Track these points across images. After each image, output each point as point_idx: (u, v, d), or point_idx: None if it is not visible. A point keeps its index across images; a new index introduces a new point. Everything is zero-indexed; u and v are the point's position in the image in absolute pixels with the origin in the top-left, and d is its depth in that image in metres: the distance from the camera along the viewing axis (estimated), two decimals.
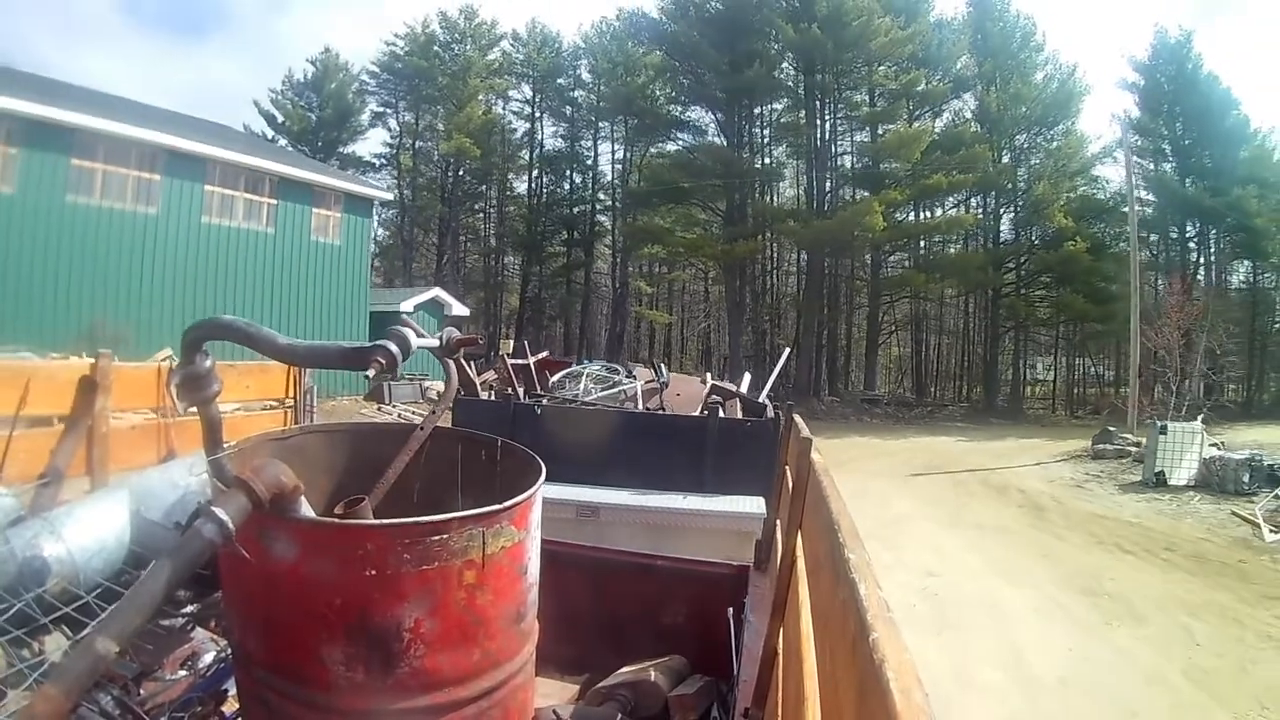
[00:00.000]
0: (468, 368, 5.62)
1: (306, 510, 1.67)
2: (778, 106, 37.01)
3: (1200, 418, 16.60)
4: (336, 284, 21.55)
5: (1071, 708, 5.49)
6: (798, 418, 2.73)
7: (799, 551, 1.74)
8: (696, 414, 5.54)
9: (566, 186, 46.67)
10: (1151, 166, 34.32)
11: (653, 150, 40.26)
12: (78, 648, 1.40)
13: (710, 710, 2.47)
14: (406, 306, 23.44)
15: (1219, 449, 15.34)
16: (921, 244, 36.24)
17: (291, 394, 4.23)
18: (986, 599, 7.86)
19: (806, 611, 1.47)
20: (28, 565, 2.23)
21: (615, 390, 6.59)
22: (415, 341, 1.84)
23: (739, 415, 6.01)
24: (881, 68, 33.72)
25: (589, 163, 46.10)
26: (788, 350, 8.20)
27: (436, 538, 1.54)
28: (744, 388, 7.33)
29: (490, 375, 6.48)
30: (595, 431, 5.05)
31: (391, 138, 46.34)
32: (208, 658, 2.33)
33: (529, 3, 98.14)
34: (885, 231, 31.76)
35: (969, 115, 35.91)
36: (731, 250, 34.06)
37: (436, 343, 2.05)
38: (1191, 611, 7.67)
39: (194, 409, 1.89)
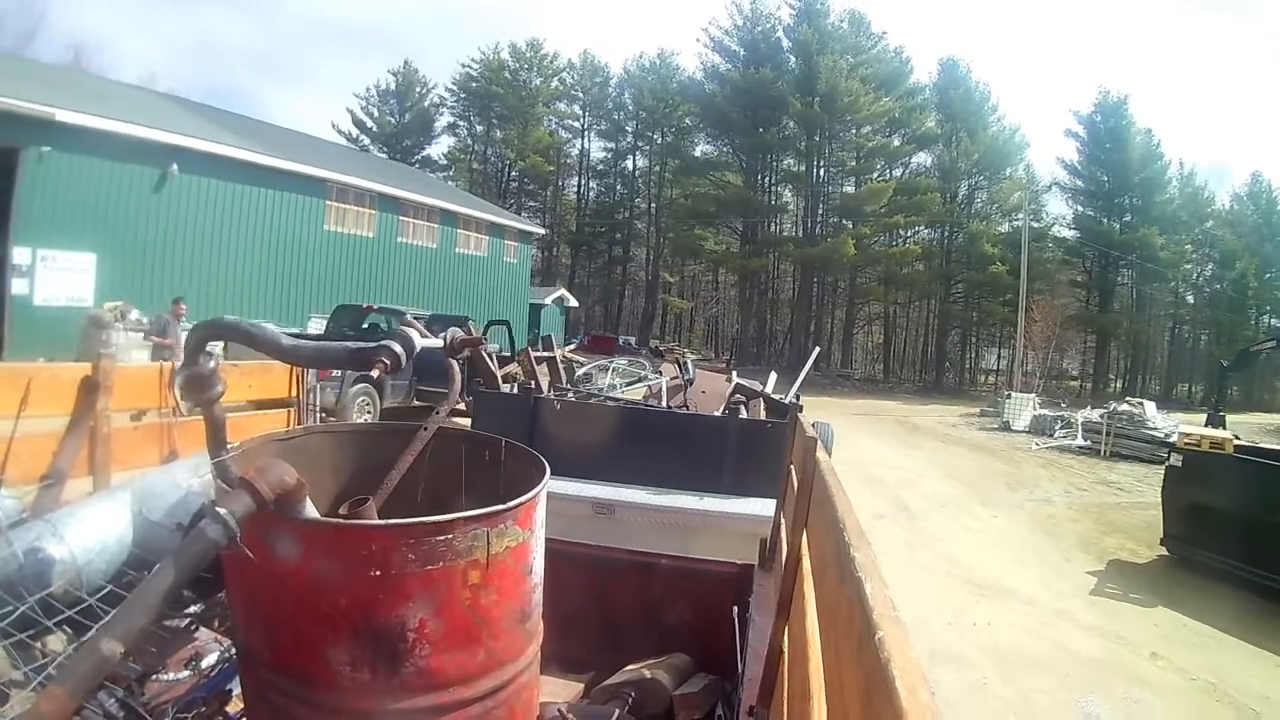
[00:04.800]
0: (489, 361, 5.55)
1: (311, 511, 1.67)
2: (785, 158, 48.83)
3: (1036, 392, 28.48)
4: (495, 286, 31.00)
5: (876, 457, 15.61)
6: (802, 417, 2.73)
7: (804, 549, 1.74)
8: (717, 413, 5.44)
9: (611, 195, 57.72)
10: (1080, 207, 45.83)
11: (692, 179, 50.82)
12: (83, 649, 1.40)
13: (715, 709, 2.47)
14: (546, 302, 36.12)
15: (1044, 409, 24.55)
16: (882, 265, 46.54)
17: (295, 393, 4.23)
18: (868, 449, 16.78)
19: (812, 610, 1.47)
20: (35, 564, 2.23)
21: (641, 385, 6.55)
22: (419, 342, 1.84)
23: (762, 415, 5.95)
24: (865, 129, 45.54)
25: (629, 173, 57.32)
26: (816, 350, 8.50)
27: (441, 538, 1.54)
28: (769, 386, 7.26)
29: (514, 368, 6.43)
30: (614, 428, 4.99)
31: (462, 145, 57.57)
32: (211, 658, 2.33)
33: (582, 32, 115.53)
34: (856, 256, 43.70)
35: (928, 165, 47.25)
36: (746, 264, 46.97)
37: (440, 343, 2.05)
38: (965, 461, 17.13)
39: (198, 409, 1.88)
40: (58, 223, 16.50)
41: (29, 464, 2.90)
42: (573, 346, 33.31)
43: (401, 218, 26.28)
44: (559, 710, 2.24)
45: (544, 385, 5.91)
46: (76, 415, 3.08)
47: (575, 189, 59.02)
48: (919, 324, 50.43)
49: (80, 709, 1.40)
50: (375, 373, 1.77)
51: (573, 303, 40.90)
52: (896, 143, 46.38)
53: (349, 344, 1.82)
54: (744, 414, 5.62)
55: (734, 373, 7.56)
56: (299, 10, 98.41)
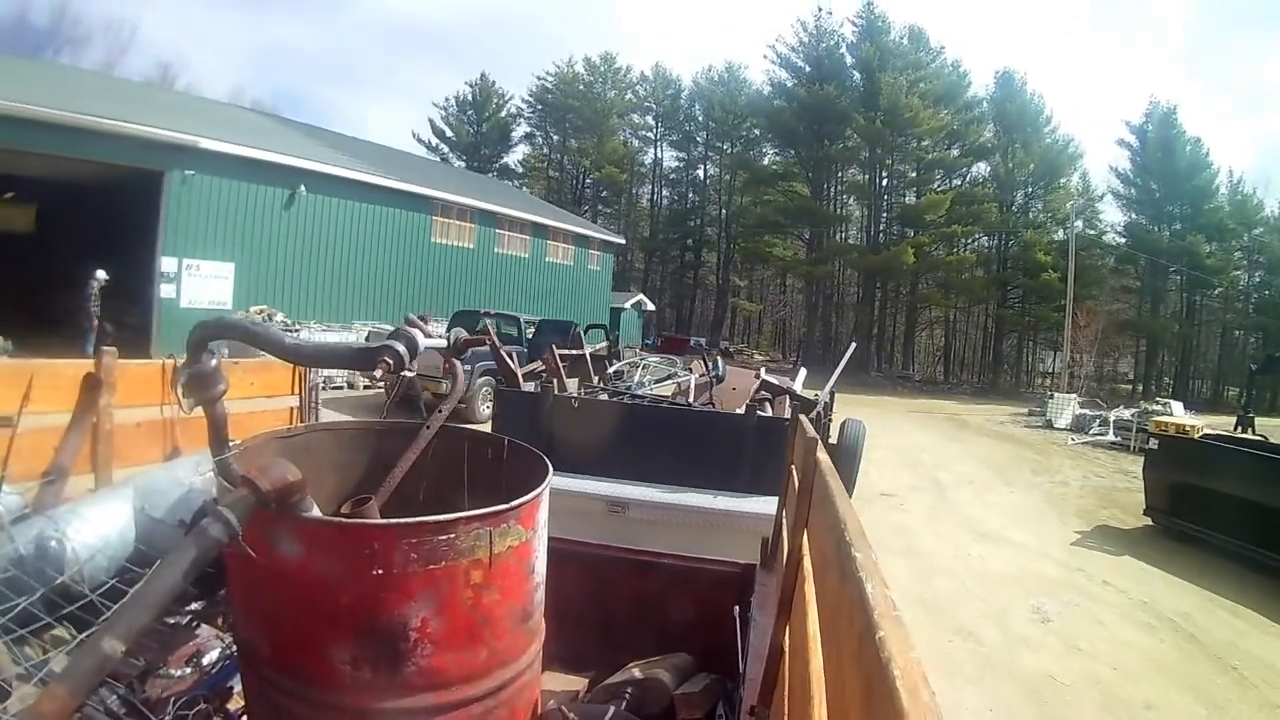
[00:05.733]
0: (509, 360, 5.53)
1: (313, 509, 1.67)
2: (849, 169, 50.38)
3: (1079, 393, 29.70)
4: (580, 292, 33.32)
5: (921, 445, 17.75)
6: (803, 418, 2.72)
7: (805, 549, 1.74)
8: (738, 411, 5.31)
9: (683, 203, 59.58)
10: (1132, 214, 46.43)
11: (761, 188, 52.80)
12: (84, 646, 1.40)
13: (716, 708, 2.47)
14: (626, 306, 37.61)
15: (1084, 409, 25.17)
16: (941, 272, 47.78)
17: (297, 391, 4.23)
18: (916, 439, 18.90)
19: (813, 609, 1.47)
20: (37, 561, 2.23)
21: (670, 382, 6.51)
22: (423, 342, 1.84)
23: (786, 413, 5.89)
24: (925, 142, 46.82)
25: (700, 182, 58.96)
26: (852, 346, 8.58)
27: (444, 537, 1.54)
28: (798, 384, 7.17)
29: (538, 365, 6.39)
30: (632, 426, 4.95)
31: (538, 154, 60.06)
32: (213, 655, 2.33)
33: (654, 45, 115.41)
34: (916, 264, 44.73)
35: (985, 175, 48.00)
36: (812, 271, 48.84)
37: (444, 343, 2.05)
38: (1000, 450, 18.69)
39: (200, 407, 1.89)
40: (200, 236, 18.80)
41: (31, 460, 2.90)
42: (647, 346, 35.13)
43: (498, 230, 28.92)
44: (560, 709, 2.24)
45: (568, 383, 5.87)
46: (79, 412, 3.08)
47: (649, 196, 61.33)
48: (977, 328, 51.74)
49: (82, 706, 1.40)
50: (378, 373, 1.77)
51: (649, 306, 42.69)
52: (955, 154, 47.56)
53: (352, 344, 1.82)
54: (769, 412, 5.57)
55: (761, 369, 7.47)
56: (366, 17, 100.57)
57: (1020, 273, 45.93)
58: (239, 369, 3.67)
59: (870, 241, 48.82)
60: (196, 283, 18.81)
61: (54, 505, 2.65)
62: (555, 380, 5.62)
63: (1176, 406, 22.52)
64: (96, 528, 2.46)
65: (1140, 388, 43.59)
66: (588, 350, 6.46)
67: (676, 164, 59.84)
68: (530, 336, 17.28)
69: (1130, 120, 46.33)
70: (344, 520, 1.76)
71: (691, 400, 6.19)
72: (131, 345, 12.19)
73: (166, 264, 18.38)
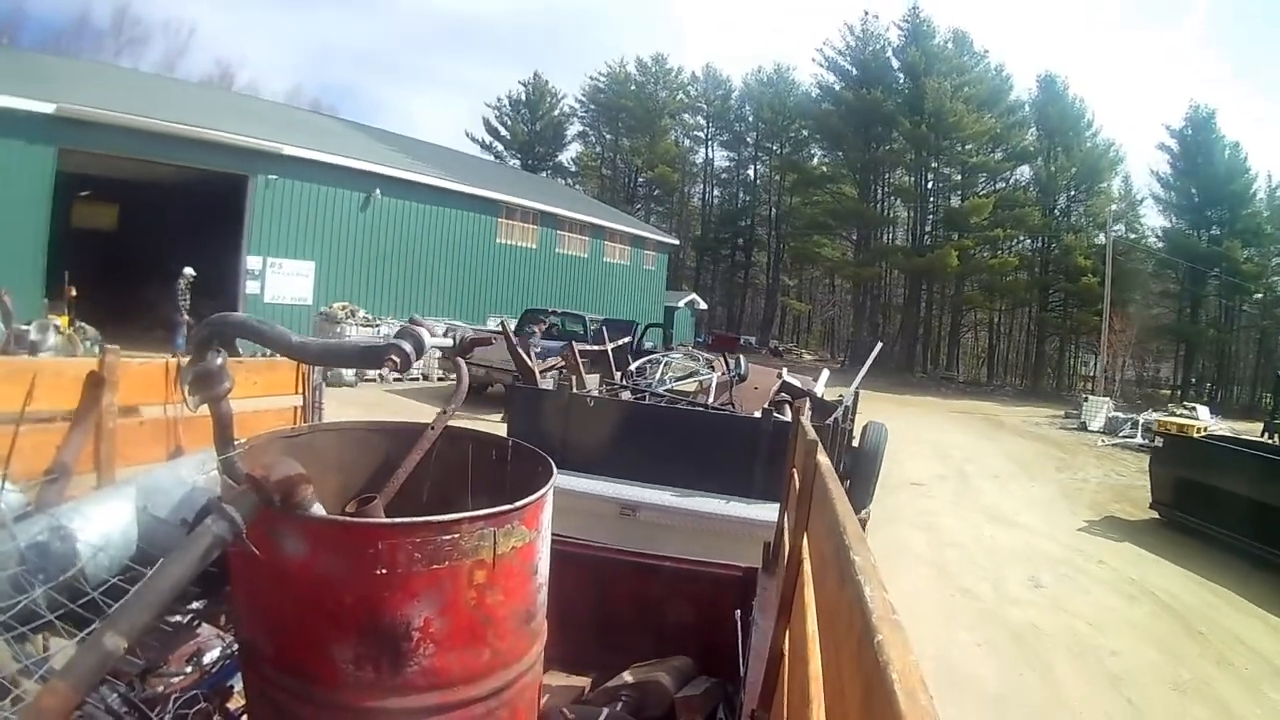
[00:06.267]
0: (526, 357, 5.51)
1: (317, 508, 1.68)
2: (896, 173, 51.05)
3: (1113, 396, 29.74)
4: (636, 291, 34.63)
5: (955, 443, 18.50)
6: (803, 419, 2.72)
7: (805, 553, 1.74)
8: (755, 415, 5.18)
9: (734, 203, 60.45)
10: (1172, 219, 46.11)
11: (810, 190, 53.38)
12: (86, 644, 1.40)
13: (716, 711, 2.48)
14: (679, 305, 38.51)
15: (1117, 412, 25.21)
16: (984, 274, 48.56)
17: (301, 391, 4.23)
18: (951, 436, 19.80)
19: (812, 613, 1.47)
20: (39, 559, 2.24)
21: (692, 380, 6.45)
22: (429, 341, 1.85)
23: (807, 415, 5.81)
24: (969, 146, 47.34)
25: (751, 181, 59.83)
26: (878, 346, 8.75)
27: (448, 537, 1.54)
28: (820, 386, 7.10)
29: (558, 362, 6.34)
30: (647, 426, 4.92)
31: (591, 153, 61.62)
32: (214, 654, 2.34)
33: (704, 45, 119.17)
34: (958, 267, 45.57)
35: (1027, 180, 48.74)
36: (859, 272, 49.97)
37: (450, 342, 2.06)
38: (1029, 449, 19.40)
39: (205, 406, 1.89)
40: (283, 236, 20.39)
41: (33, 459, 2.90)
42: (699, 344, 35.79)
43: (559, 232, 30.43)
44: (562, 711, 2.24)
45: (587, 381, 5.82)
46: (82, 410, 3.09)
47: (700, 196, 62.52)
48: (1021, 330, 52.38)
49: (82, 704, 1.41)
50: (385, 371, 1.78)
51: (702, 305, 43.94)
52: (998, 158, 48.40)
53: (358, 342, 1.82)
54: (788, 414, 5.52)
55: (784, 370, 7.35)
56: (415, 13, 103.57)
57: (1062, 276, 46.19)
58: (243, 367, 3.68)
59: (916, 244, 49.55)
60: (280, 280, 20.34)
61: (56, 503, 2.66)
62: (574, 378, 5.58)
63: (1203, 411, 22.95)
64: (99, 526, 2.46)
65: (1179, 393, 42.85)
66: (609, 346, 6.40)
67: (727, 164, 60.93)
68: (593, 333, 17.48)
69: (1170, 124, 46.16)
70: (348, 519, 1.77)
71: (711, 400, 6.10)
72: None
73: (252, 262, 19.82)
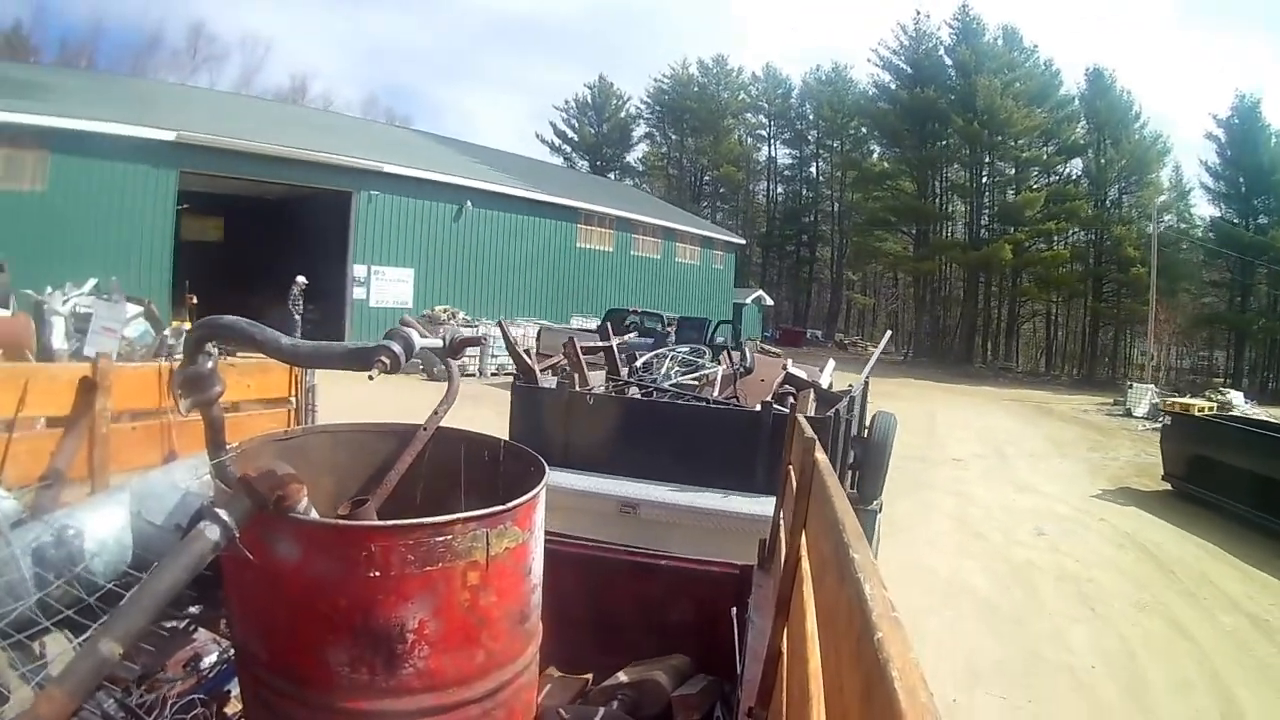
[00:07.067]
0: (526, 357, 5.49)
1: (310, 511, 1.67)
2: (951, 168, 52.64)
3: (1156, 384, 28.91)
4: (705, 289, 36.37)
5: (1001, 427, 19.52)
6: (801, 416, 2.72)
7: (803, 550, 1.73)
8: (755, 408, 5.08)
9: (797, 200, 61.77)
10: (1221, 207, 46.47)
11: (869, 187, 54.78)
12: (81, 650, 1.39)
13: (714, 710, 2.47)
14: (746, 301, 39.56)
15: (1161, 398, 25.35)
16: (1038, 267, 49.61)
17: (293, 393, 4.22)
18: (998, 422, 20.70)
19: (811, 611, 1.47)
20: (34, 565, 2.22)
21: (697, 374, 6.42)
22: (419, 342, 1.84)
23: (811, 407, 5.79)
24: (1020, 141, 48.76)
25: (813, 178, 61.12)
26: (887, 334, 9.11)
27: (440, 538, 1.54)
28: (825, 377, 7.01)
29: (559, 359, 6.31)
30: (648, 422, 4.89)
31: (657, 153, 63.98)
32: (210, 658, 2.33)
33: (764, 45, 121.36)
34: (1012, 260, 47.22)
35: (1078, 173, 49.99)
36: (919, 267, 52.05)
37: (440, 343, 2.05)
38: (1069, 432, 20.06)
39: (196, 410, 1.88)
40: (384, 246, 22.62)
41: (27, 465, 2.89)
42: (766, 339, 40.45)
43: (634, 235, 32.59)
44: (558, 711, 2.24)
45: (589, 377, 5.79)
46: (75, 416, 3.08)
47: (764, 193, 63.93)
48: (1077, 320, 53.27)
49: (78, 710, 1.40)
50: (374, 372, 1.77)
51: (768, 301, 45.29)
52: (1049, 153, 49.40)
53: (348, 344, 1.81)
54: (808, 407, 5.48)
55: (788, 361, 7.29)
56: (476, 14, 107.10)
57: (1114, 267, 47.12)
58: (235, 370, 3.66)
59: (972, 238, 51.02)
60: (382, 285, 22.53)
61: (51, 509, 2.64)
62: (575, 375, 5.56)
63: (1236, 397, 23.86)
64: (93, 532, 2.45)
65: (1229, 380, 43.61)
66: (614, 342, 6.36)
67: (790, 161, 62.47)
68: (672, 330, 19.65)
69: (1217, 113, 46.31)
70: (341, 522, 1.76)
71: (716, 393, 6.07)
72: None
73: (357, 270, 22.05)
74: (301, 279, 18.28)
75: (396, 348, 1.76)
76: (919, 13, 52.72)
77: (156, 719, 1.97)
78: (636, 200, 41.27)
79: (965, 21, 49.70)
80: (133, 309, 6.26)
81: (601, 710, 2.34)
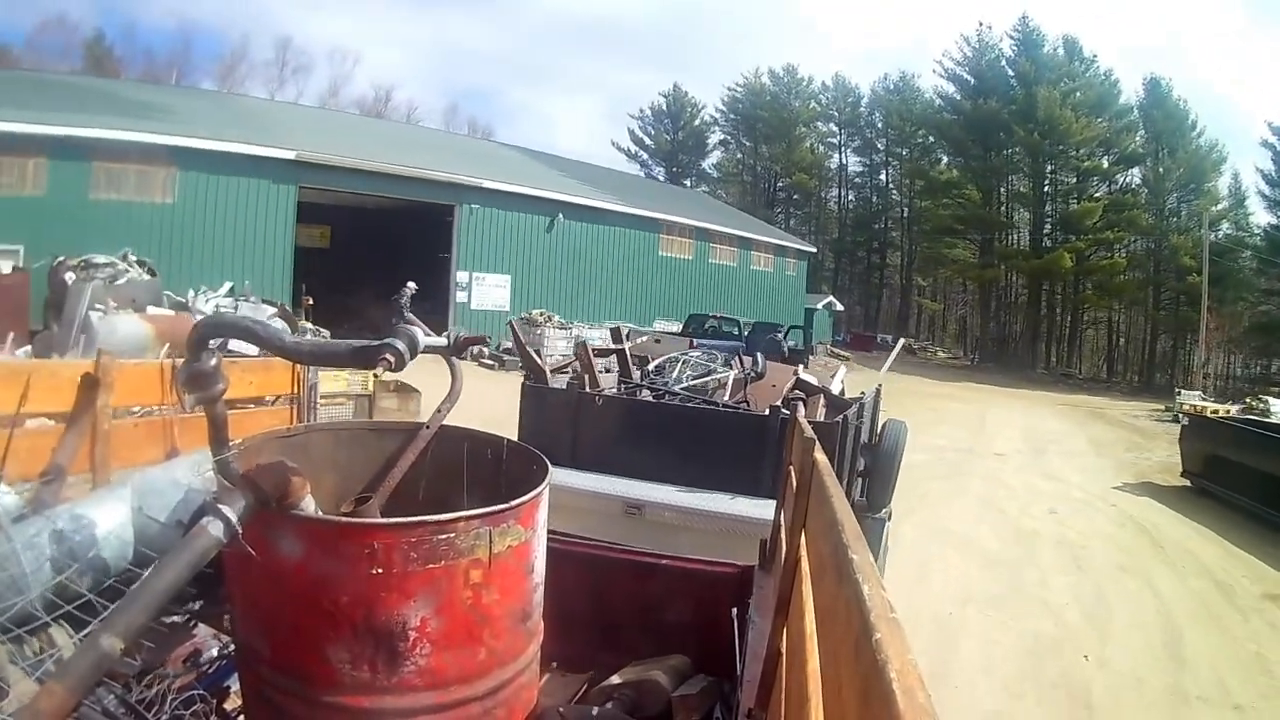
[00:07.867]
0: (536, 357, 5.53)
1: (313, 508, 1.67)
2: (1014, 179, 53.87)
3: (1207, 390, 31.05)
4: (778, 295, 37.47)
5: (1048, 428, 20.90)
6: (800, 417, 2.72)
7: (803, 551, 1.73)
8: (764, 412, 5.12)
9: (867, 207, 63.23)
10: (1277, 215, 47.01)
11: (937, 195, 55.86)
12: (82, 645, 1.40)
13: (713, 710, 2.47)
14: (818, 307, 41.14)
15: (1209, 402, 26.09)
16: (1098, 275, 50.92)
17: (296, 391, 4.22)
18: (1046, 423, 21.84)
19: (810, 611, 1.47)
20: (35, 560, 2.23)
21: (708, 379, 6.43)
22: (423, 340, 1.84)
23: (821, 413, 5.80)
24: (1080, 151, 50.14)
25: (883, 186, 62.70)
26: (900, 341, 9.65)
27: (443, 536, 1.54)
28: (836, 382, 7.02)
29: (572, 361, 6.33)
30: (655, 424, 4.92)
31: (731, 160, 66.00)
32: (210, 654, 2.33)
33: (834, 57, 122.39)
34: (1072, 268, 48.74)
35: (1135, 183, 51.39)
36: (983, 274, 53.92)
37: (444, 342, 2.05)
38: (1112, 434, 21.24)
39: (200, 406, 1.88)
40: (484, 254, 24.95)
41: (29, 460, 2.89)
42: (838, 343, 41.98)
43: (711, 244, 34.08)
44: (558, 710, 2.24)
45: (600, 380, 5.80)
46: (77, 412, 3.08)
47: (835, 199, 65.62)
48: (1138, 328, 54.37)
49: (79, 705, 1.40)
50: (379, 370, 1.77)
51: (839, 306, 46.26)
52: (1108, 162, 50.75)
53: (352, 342, 1.81)
54: (802, 411, 5.49)
55: (799, 367, 7.29)
56: (550, 16, 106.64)
57: (1171, 275, 48.22)
58: (238, 367, 3.67)
59: (1035, 246, 52.38)
60: (483, 290, 24.87)
61: (52, 505, 2.64)
62: (586, 377, 5.57)
63: (1276, 404, 24.43)
64: (95, 528, 2.45)
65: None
66: (627, 346, 6.38)
67: (860, 169, 64.19)
68: (747, 334, 20.90)
69: (1273, 121, 46.85)
70: (344, 519, 1.77)
71: (727, 398, 6.07)
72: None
73: (460, 276, 24.41)
74: (411, 285, 18.84)
75: (400, 346, 1.76)
76: (981, 24, 55.07)
77: (157, 714, 1.97)
78: (713, 210, 42.79)
79: (1025, 33, 51.00)
80: (268, 309, 6.39)
81: (601, 709, 2.34)
